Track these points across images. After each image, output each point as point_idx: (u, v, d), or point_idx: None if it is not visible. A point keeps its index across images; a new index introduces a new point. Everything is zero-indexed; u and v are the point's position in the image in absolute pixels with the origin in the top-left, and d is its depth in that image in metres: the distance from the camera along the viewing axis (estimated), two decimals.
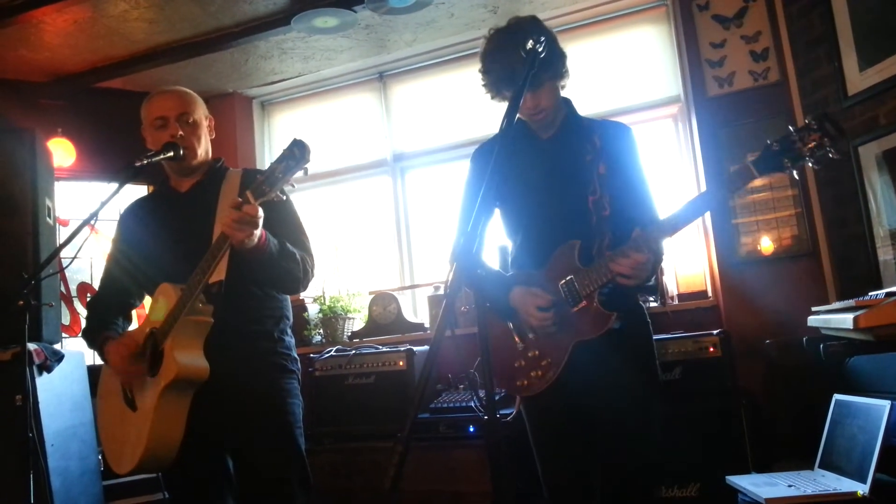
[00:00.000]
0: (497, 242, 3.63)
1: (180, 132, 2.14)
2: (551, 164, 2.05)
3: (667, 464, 2.76)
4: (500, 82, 1.97)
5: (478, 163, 2.18)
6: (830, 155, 1.66)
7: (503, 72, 1.93)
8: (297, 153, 1.77)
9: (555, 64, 1.96)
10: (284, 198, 1.88)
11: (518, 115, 2.01)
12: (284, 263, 2.05)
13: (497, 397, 1.54)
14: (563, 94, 2.11)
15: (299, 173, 1.80)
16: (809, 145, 1.66)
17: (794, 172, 1.72)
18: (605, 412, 1.96)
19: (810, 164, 1.69)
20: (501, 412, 3.12)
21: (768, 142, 1.71)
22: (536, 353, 1.99)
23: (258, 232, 1.90)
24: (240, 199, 1.84)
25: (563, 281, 1.94)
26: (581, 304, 1.92)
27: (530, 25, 1.96)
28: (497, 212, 2.17)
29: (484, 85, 2.05)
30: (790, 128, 1.70)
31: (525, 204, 2.08)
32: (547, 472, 2.07)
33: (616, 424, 1.96)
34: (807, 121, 1.68)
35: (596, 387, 1.94)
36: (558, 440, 2.03)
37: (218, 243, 1.93)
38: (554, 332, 1.95)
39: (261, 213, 1.86)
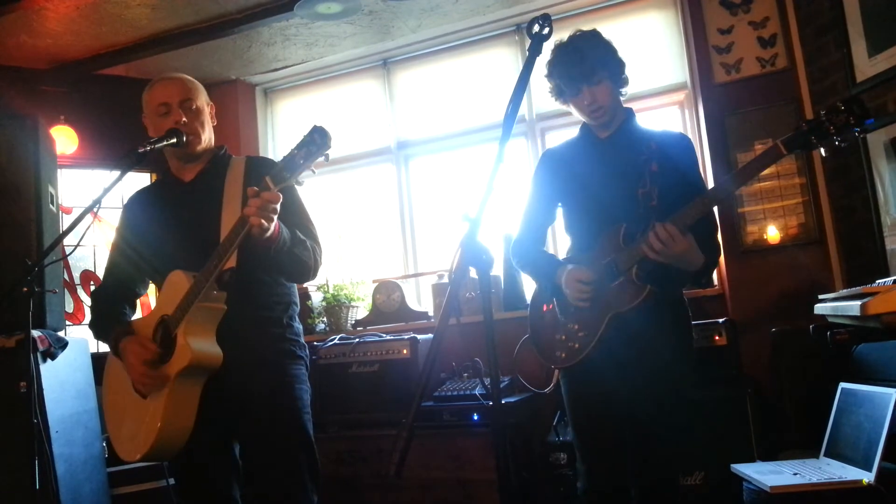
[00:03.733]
0: (502, 232, 3.64)
1: (184, 118, 2.13)
2: (606, 160, 2.22)
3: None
4: (562, 87, 2.21)
5: (543, 166, 2.37)
6: (857, 133, 1.80)
7: (562, 77, 2.19)
8: (317, 139, 1.79)
9: (611, 66, 2.18)
10: (302, 184, 1.87)
11: (582, 120, 2.29)
12: (297, 252, 2.05)
13: (502, 385, 1.55)
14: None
15: (320, 159, 1.81)
16: (837, 124, 1.80)
17: (823, 151, 1.87)
18: (638, 387, 2.08)
19: (837, 142, 1.82)
20: (507, 400, 3.10)
21: (800, 123, 1.87)
22: (576, 326, 2.16)
23: (275, 220, 1.90)
24: (256, 188, 1.84)
25: (607, 259, 2.11)
26: (619, 280, 2.08)
27: (591, 37, 2.21)
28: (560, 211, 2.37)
29: (550, 91, 2.29)
30: (821, 111, 1.83)
31: (579, 198, 2.25)
32: (583, 445, 2.20)
33: (646, 401, 2.08)
34: (836, 104, 1.81)
35: (629, 360, 2.08)
36: (594, 412, 2.17)
37: (235, 230, 1.92)
38: (593, 307, 2.11)
39: (280, 199, 1.86)
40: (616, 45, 2.23)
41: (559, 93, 2.24)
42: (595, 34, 2.22)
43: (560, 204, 2.34)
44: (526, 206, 2.38)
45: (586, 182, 2.22)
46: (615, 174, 2.17)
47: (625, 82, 2.23)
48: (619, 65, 2.21)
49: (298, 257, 2.05)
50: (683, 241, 1.95)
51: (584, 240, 2.25)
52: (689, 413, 2.21)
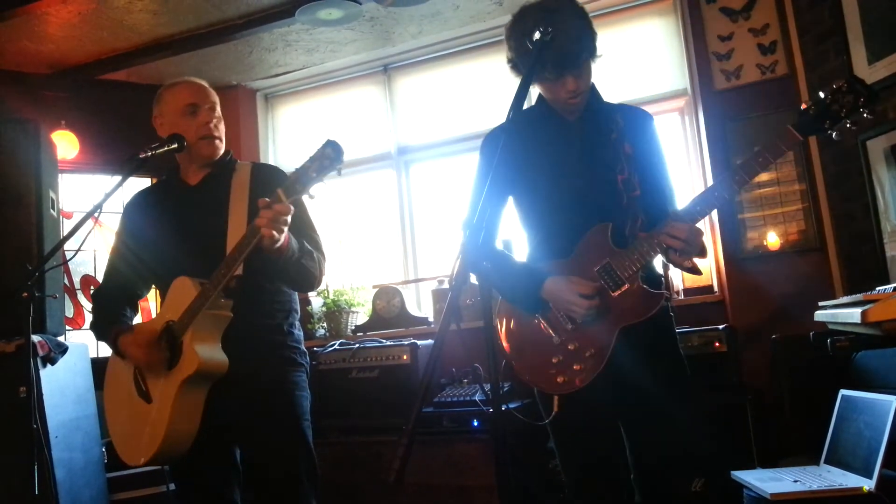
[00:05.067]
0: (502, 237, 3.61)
1: (214, 121, 2.16)
2: (578, 146, 1.96)
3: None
4: (542, 68, 1.84)
5: (488, 151, 2.03)
6: (865, 115, 1.70)
7: (544, 64, 1.81)
8: (330, 153, 1.79)
9: (592, 44, 1.90)
10: (314, 197, 1.88)
11: (544, 98, 2.00)
12: (305, 262, 2.06)
13: (502, 391, 1.54)
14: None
15: (332, 173, 1.82)
16: (845, 107, 1.70)
17: (834, 135, 1.75)
18: (648, 400, 1.88)
19: (848, 125, 1.72)
20: (510, 406, 3.09)
21: (803, 106, 1.75)
22: (576, 345, 1.89)
23: (285, 231, 1.91)
24: (268, 200, 1.85)
25: (599, 266, 1.88)
26: (623, 288, 1.86)
27: (568, 9, 1.88)
28: (511, 201, 2.07)
29: (511, 63, 1.96)
30: (820, 93, 1.73)
31: (547, 188, 1.96)
32: (572, 464, 2.01)
33: (657, 412, 1.89)
34: (835, 85, 1.72)
35: (640, 374, 1.86)
36: (591, 434, 1.95)
37: (246, 239, 1.92)
38: (595, 321, 1.87)
39: (291, 211, 1.87)
40: (603, 33, 1.96)
41: (536, 75, 1.86)
42: (572, 4, 1.90)
43: (514, 194, 2.04)
44: (473, 197, 1.97)
45: (554, 170, 1.95)
46: (589, 159, 1.94)
47: (598, 55, 1.93)
48: (595, 37, 1.91)
49: (305, 267, 2.07)
50: (701, 231, 1.80)
51: (558, 237, 1.96)
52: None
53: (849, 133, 1.75)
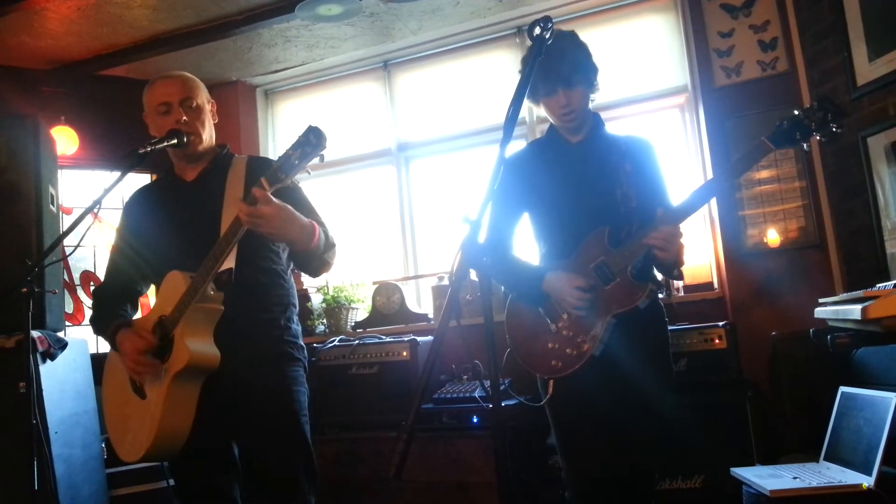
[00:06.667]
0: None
1: (184, 118, 2.12)
2: (580, 164, 2.19)
3: (671, 455, 2.79)
4: (537, 85, 2.11)
5: (508, 174, 2.19)
6: (833, 128, 1.92)
7: (539, 77, 2.08)
8: (312, 139, 1.78)
9: (587, 71, 2.15)
10: (298, 184, 1.88)
11: (550, 122, 2.25)
12: (327, 257, 2.16)
13: (501, 387, 1.54)
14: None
15: (315, 160, 1.81)
16: (815, 122, 1.93)
17: (805, 146, 1.99)
18: (630, 392, 2.04)
19: (818, 138, 1.95)
20: (517, 399, 3.07)
21: (778, 122, 1.97)
22: (571, 332, 2.09)
23: (272, 225, 1.89)
24: (251, 194, 1.84)
25: (595, 263, 2.08)
26: (615, 281, 2.07)
27: (569, 39, 2.15)
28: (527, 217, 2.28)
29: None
30: (794, 111, 1.97)
31: (555, 203, 2.19)
32: (572, 453, 2.13)
33: (635, 405, 2.04)
34: (807, 105, 1.97)
35: (627, 366, 2.04)
36: (583, 418, 2.09)
37: (231, 230, 1.92)
38: (589, 311, 2.06)
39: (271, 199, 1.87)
40: (596, 48, 2.19)
41: (532, 91, 2.15)
42: (574, 36, 2.18)
43: (528, 211, 2.27)
44: (492, 214, 2.21)
45: (559, 185, 2.18)
46: (592, 177, 2.16)
47: (596, 88, 2.19)
48: (595, 70, 2.18)
49: (325, 261, 2.16)
50: (681, 233, 2.00)
51: (563, 244, 2.18)
52: (688, 416, 2.22)
53: (817, 162, 1.91)
